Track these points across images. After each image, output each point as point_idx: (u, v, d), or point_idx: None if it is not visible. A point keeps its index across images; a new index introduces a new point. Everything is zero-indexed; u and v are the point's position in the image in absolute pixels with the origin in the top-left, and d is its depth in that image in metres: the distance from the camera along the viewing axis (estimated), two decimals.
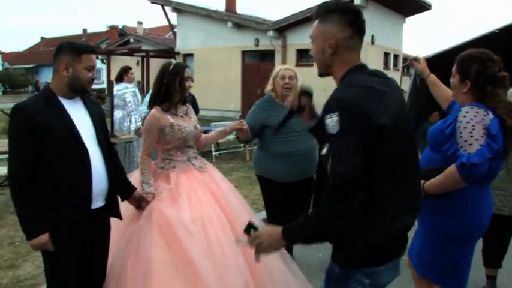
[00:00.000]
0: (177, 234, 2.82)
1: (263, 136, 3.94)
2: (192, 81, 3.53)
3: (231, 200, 3.24)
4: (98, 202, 2.70)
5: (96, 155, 2.68)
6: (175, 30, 22.40)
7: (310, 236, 1.83)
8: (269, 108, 3.90)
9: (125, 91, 7.33)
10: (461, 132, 2.44)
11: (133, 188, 3.05)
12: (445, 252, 2.69)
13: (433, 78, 3.20)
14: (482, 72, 2.55)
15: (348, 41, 1.89)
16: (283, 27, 18.26)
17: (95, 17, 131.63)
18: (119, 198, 2.95)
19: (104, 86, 28.74)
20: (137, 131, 7.05)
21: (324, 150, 1.79)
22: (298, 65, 17.69)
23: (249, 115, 4.01)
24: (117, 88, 7.33)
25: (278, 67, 4.00)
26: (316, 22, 1.94)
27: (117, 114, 7.24)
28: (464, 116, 2.46)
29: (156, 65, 11.97)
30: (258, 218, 3.60)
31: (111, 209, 2.84)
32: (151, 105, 3.28)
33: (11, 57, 44.56)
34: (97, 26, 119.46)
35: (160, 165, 3.26)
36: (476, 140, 2.37)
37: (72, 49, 2.60)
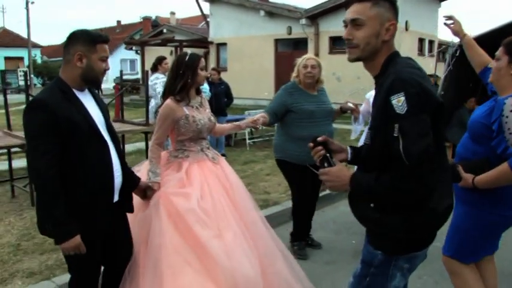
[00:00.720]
0: (187, 221, 2.84)
1: (285, 121, 4.11)
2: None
3: (239, 193, 3.26)
4: (115, 196, 2.64)
5: (112, 149, 2.59)
6: (208, 19, 22.51)
7: (373, 197, 1.85)
8: (295, 93, 4.09)
9: (155, 81, 7.47)
10: (509, 128, 2.37)
11: (138, 179, 2.98)
12: (483, 239, 2.70)
13: (469, 39, 3.11)
14: None
15: (395, 29, 1.91)
16: (316, 15, 18.08)
17: (129, 8, 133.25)
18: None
19: (139, 76, 29.25)
20: None
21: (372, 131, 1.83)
22: (331, 52, 17.55)
23: (275, 98, 4.20)
24: (150, 79, 7.50)
25: (302, 56, 4.17)
26: (366, 4, 1.86)
27: (151, 103, 7.40)
28: (511, 111, 2.38)
29: None
30: (264, 214, 3.59)
31: (124, 203, 2.78)
32: (165, 95, 3.26)
33: (49, 51, 45.53)
34: (131, 17, 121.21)
35: (173, 154, 3.27)
36: None
37: (86, 38, 2.44)
